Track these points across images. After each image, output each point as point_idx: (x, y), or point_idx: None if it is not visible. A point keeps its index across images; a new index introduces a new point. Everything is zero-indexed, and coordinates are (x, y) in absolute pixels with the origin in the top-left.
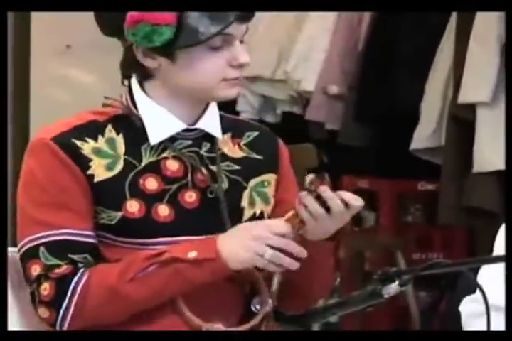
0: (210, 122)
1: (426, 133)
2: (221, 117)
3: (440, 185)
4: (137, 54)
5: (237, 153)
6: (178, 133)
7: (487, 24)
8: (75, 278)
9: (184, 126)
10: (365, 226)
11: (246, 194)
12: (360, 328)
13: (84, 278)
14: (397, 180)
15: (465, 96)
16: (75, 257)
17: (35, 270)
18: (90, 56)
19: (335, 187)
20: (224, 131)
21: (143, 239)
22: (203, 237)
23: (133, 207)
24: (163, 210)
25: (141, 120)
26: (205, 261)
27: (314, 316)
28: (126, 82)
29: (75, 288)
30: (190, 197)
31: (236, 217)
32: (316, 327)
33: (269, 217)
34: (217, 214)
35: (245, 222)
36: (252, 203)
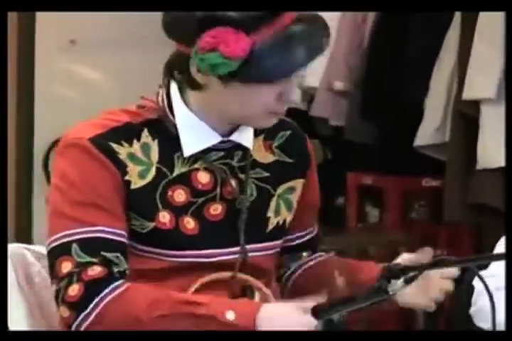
0: (244, 133)
1: (430, 130)
2: None
3: (445, 182)
4: (191, 68)
5: (268, 157)
6: (212, 145)
7: (492, 21)
8: (107, 290)
9: (219, 139)
10: (369, 222)
11: (273, 202)
12: (365, 327)
13: (115, 293)
14: (401, 176)
15: (470, 93)
16: (108, 255)
17: (66, 267)
18: (95, 52)
19: (340, 184)
20: (257, 134)
21: (170, 250)
22: (231, 257)
23: (165, 218)
24: (189, 223)
25: (176, 128)
26: (240, 327)
27: (319, 314)
28: (165, 81)
29: (102, 299)
30: (216, 209)
31: (261, 226)
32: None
33: (288, 223)
34: (242, 226)
35: (270, 231)
36: (277, 211)
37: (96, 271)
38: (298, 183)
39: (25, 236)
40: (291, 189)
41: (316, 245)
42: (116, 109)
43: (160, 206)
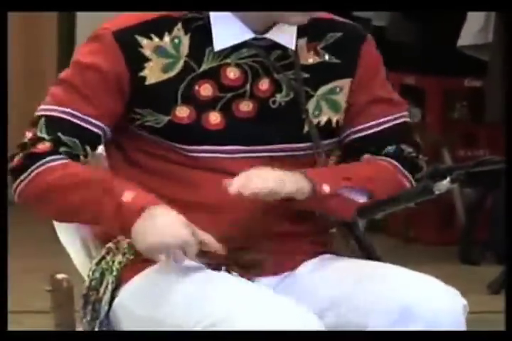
0: (285, 32)
1: (473, 30)
2: None
3: (487, 82)
4: None
5: (310, 59)
6: (245, 41)
7: None
8: (39, 162)
9: (252, 36)
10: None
11: (312, 103)
12: (405, 225)
13: (44, 166)
14: (443, 76)
15: None
16: (63, 138)
17: (26, 137)
18: None
19: None
20: (300, 36)
21: (189, 145)
22: (249, 148)
23: (182, 112)
24: (215, 118)
25: (210, 22)
26: (124, 210)
27: (363, 213)
28: None
29: (32, 171)
30: (247, 106)
31: (296, 128)
32: (361, 224)
33: (340, 124)
34: (274, 125)
35: (306, 132)
36: (317, 112)
37: (44, 146)
38: (343, 83)
39: None
40: (336, 88)
41: (388, 141)
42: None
43: (179, 100)
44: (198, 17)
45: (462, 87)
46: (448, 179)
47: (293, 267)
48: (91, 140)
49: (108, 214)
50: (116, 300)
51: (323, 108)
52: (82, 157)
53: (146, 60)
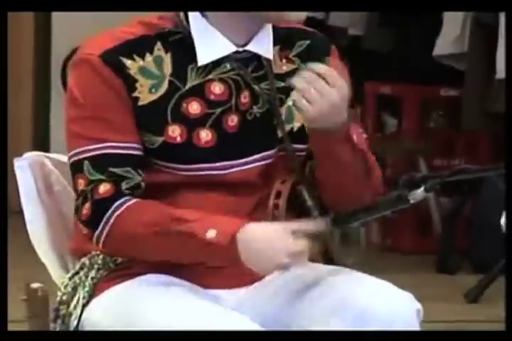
0: (262, 43)
1: (449, 39)
2: (273, 29)
3: (463, 91)
4: None
5: (283, 67)
6: (226, 55)
7: None
8: (112, 208)
9: (234, 49)
10: (387, 132)
11: (284, 110)
12: (382, 234)
13: (119, 211)
14: (420, 85)
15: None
16: (117, 170)
17: (80, 185)
18: None
19: (357, 93)
20: (273, 45)
21: (184, 164)
22: (238, 161)
23: (175, 131)
24: (205, 135)
25: (191, 38)
26: (218, 246)
27: (338, 222)
28: None
29: (109, 218)
30: (232, 121)
31: (270, 136)
32: (337, 233)
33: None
34: (251, 137)
35: (280, 139)
36: (289, 118)
37: (105, 188)
38: None
39: (42, 145)
40: None
41: None
42: (135, 21)
43: (170, 120)
44: (176, 31)
45: (438, 96)
46: (423, 188)
47: (252, 280)
48: (140, 163)
49: (198, 254)
50: (84, 315)
51: (295, 114)
52: (142, 183)
53: (135, 80)
